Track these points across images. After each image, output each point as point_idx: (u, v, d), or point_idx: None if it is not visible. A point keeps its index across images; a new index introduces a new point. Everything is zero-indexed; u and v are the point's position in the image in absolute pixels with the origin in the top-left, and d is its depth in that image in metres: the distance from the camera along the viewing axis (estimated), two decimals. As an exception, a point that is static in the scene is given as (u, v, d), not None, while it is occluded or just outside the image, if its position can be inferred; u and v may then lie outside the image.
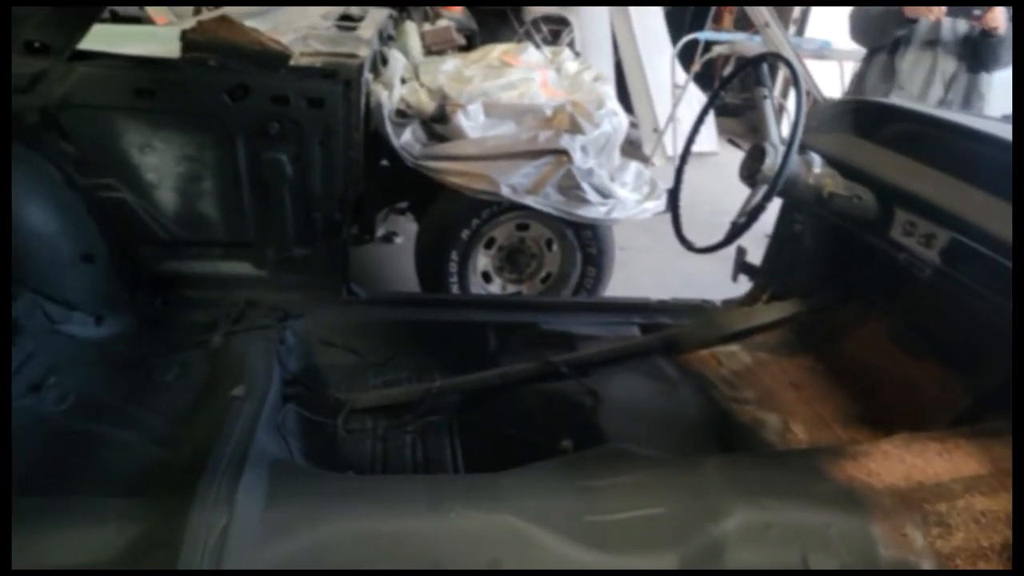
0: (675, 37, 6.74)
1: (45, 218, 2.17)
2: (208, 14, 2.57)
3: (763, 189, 1.89)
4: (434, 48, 4.04)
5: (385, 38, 3.90)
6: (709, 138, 7.06)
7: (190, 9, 3.66)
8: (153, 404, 2.07)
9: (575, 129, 3.05)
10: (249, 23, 2.90)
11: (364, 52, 2.90)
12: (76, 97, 2.10)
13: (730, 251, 2.33)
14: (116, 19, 3.78)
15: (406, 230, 4.11)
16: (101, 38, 2.25)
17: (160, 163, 2.24)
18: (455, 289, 3.11)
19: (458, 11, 5.43)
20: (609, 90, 3.43)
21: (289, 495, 1.69)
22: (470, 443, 2.22)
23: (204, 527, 1.53)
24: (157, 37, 2.40)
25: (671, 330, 2.61)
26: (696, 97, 6.76)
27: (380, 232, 3.98)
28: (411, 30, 3.89)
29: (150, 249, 2.39)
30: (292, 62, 2.64)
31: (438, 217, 3.10)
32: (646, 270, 4.32)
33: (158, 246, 2.39)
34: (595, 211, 3.09)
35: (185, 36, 2.17)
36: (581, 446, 2.09)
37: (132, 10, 4.27)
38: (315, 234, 2.45)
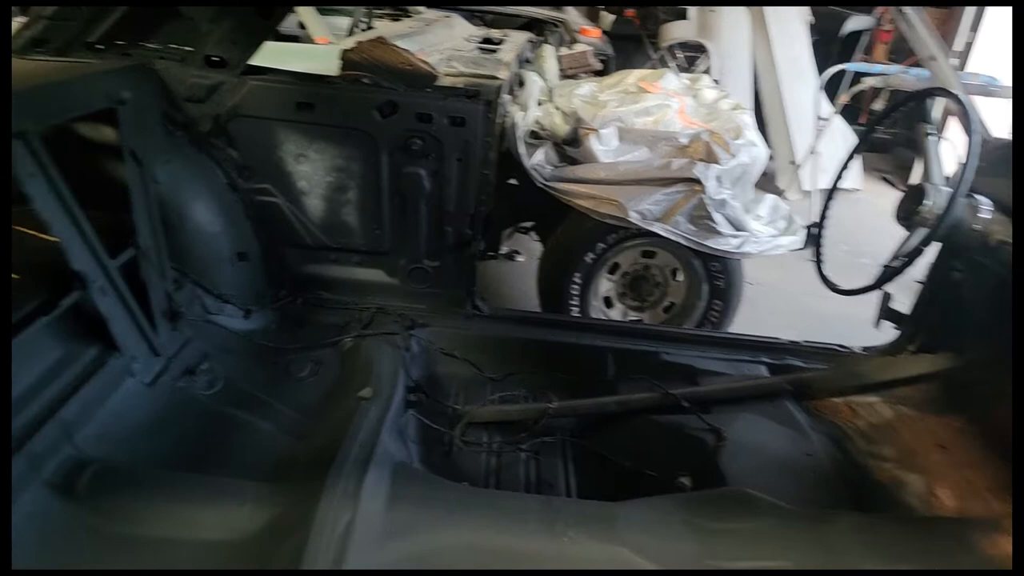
0: (821, 67, 6.48)
1: (210, 218, 2.37)
2: (364, 35, 2.72)
3: (922, 232, 1.78)
4: (570, 72, 4.09)
5: (523, 61, 4.00)
6: (854, 174, 6.73)
7: (346, 30, 3.89)
8: (288, 397, 2.20)
9: (710, 158, 3.00)
10: (398, 43, 3.06)
11: (504, 74, 2.98)
12: (244, 108, 2.27)
13: (868, 295, 2.21)
14: (278, 37, 4.07)
15: (529, 249, 4.16)
16: (270, 55, 2.44)
17: (311, 172, 2.38)
18: (575, 312, 3.10)
19: (595, 36, 5.48)
20: (748, 119, 3.35)
21: (410, 498, 1.75)
22: (583, 468, 2.21)
23: (331, 520, 1.60)
24: (317, 56, 2.57)
25: (803, 373, 2.49)
26: (839, 131, 6.47)
27: (504, 249, 4.05)
28: (548, 53, 3.96)
29: (295, 252, 2.54)
30: (437, 82, 2.76)
31: (563, 239, 3.11)
32: (775, 308, 4.15)
33: (303, 249, 2.54)
34: (726, 243, 3.01)
35: (344, 55, 2.31)
36: (700, 485, 2.03)
37: (292, 29, 4.58)
38: (446, 247, 2.52)
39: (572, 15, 6.08)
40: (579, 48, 4.27)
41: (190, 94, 2.25)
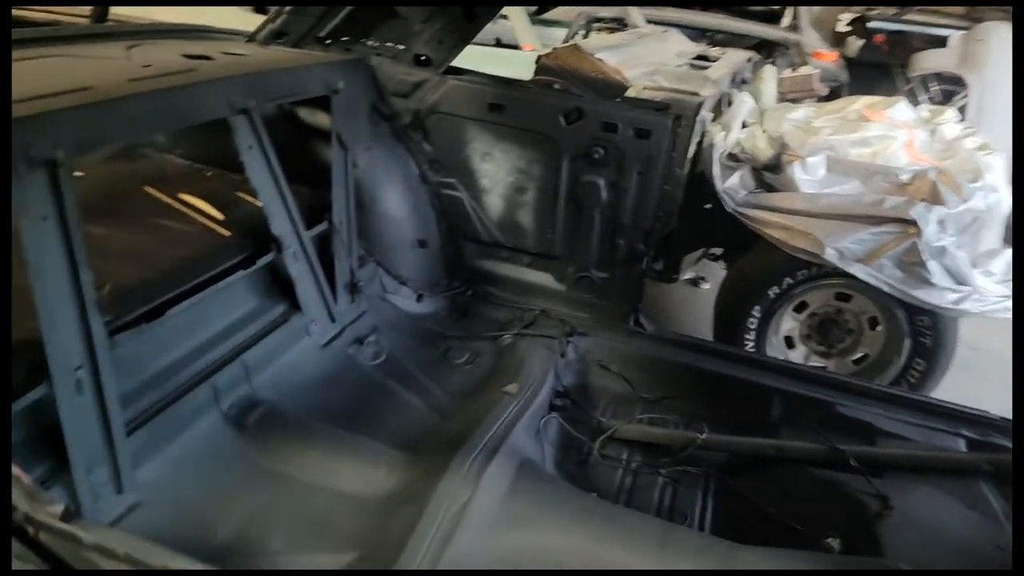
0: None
1: (398, 204, 2.56)
2: (563, 45, 2.79)
3: None
4: (790, 96, 3.88)
5: (739, 81, 3.85)
6: None
7: (561, 41, 4.00)
8: (442, 379, 2.30)
9: (934, 199, 2.67)
10: (601, 55, 3.09)
11: (708, 92, 2.90)
12: (442, 105, 2.43)
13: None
14: (498, 44, 4.30)
15: (716, 277, 3.98)
16: (477, 58, 2.59)
17: (495, 171, 2.48)
18: (750, 347, 2.92)
19: (830, 60, 5.13)
20: (995, 162, 2.94)
21: (528, 493, 1.76)
22: (723, 506, 2.07)
23: (448, 498, 1.65)
24: (519, 61, 2.68)
25: (1010, 456, 2.14)
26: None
27: (688, 274, 3.91)
28: (769, 75, 3.78)
29: (472, 246, 2.66)
30: (633, 94, 2.75)
31: (747, 269, 2.95)
32: (993, 379, 3.59)
33: (479, 244, 2.65)
34: (939, 296, 2.66)
35: (539, 60, 2.39)
36: (849, 552, 1.83)
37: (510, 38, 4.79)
38: (616, 260, 2.50)
39: (810, 37, 5.75)
40: (804, 71, 4.03)
41: (397, 89, 2.45)
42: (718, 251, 3.56)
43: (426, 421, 2.09)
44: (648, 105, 2.31)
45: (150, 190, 2.32)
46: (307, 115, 2.45)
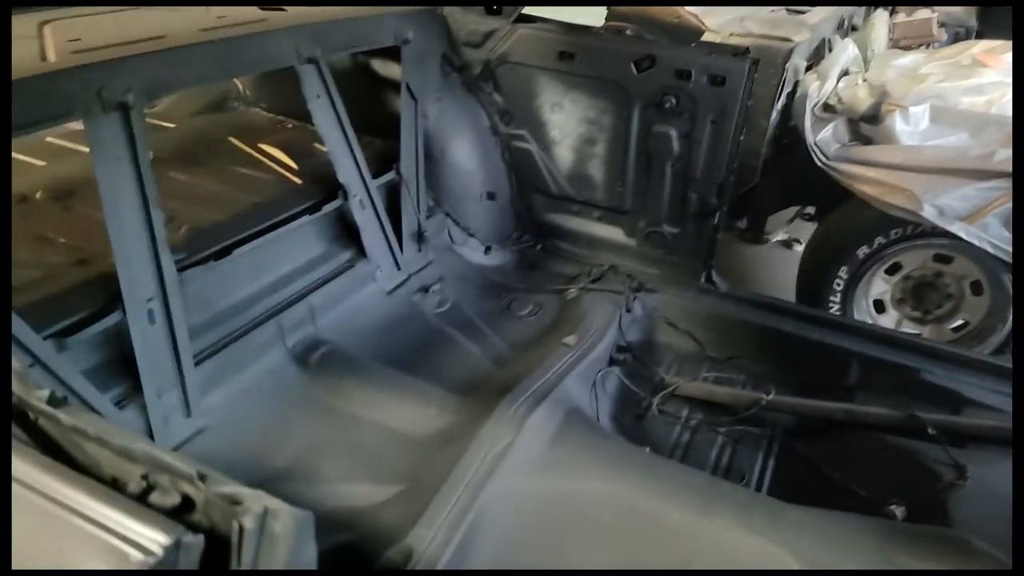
0: None
1: (468, 156, 2.57)
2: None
3: None
4: (903, 43, 3.59)
5: (847, 27, 3.60)
6: None
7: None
8: (502, 329, 2.33)
9: (1053, 154, 2.43)
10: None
11: (801, 37, 2.73)
12: (512, 55, 2.41)
13: None
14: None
15: (813, 239, 3.79)
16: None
17: (565, 122, 2.45)
18: (835, 310, 2.77)
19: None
20: None
21: (573, 441, 1.76)
22: (784, 469, 2.01)
23: (491, 440, 1.69)
24: (596, 9, 2.60)
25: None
26: None
27: (780, 235, 3.74)
28: (879, 20, 3.50)
29: (541, 199, 2.65)
30: (717, 40, 2.62)
31: (835, 227, 2.79)
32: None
33: (548, 198, 2.63)
34: (1052, 259, 2.44)
35: (610, 8, 2.32)
36: (914, 520, 1.73)
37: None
38: (688, 215, 2.42)
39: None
40: (920, 15, 3.69)
41: (468, 39, 2.45)
42: (812, 211, 3.39)
43: (481, 368, 2.13)
44: (725, 50, 2.20)
45: (234, 140, 2.44)
46: (380, 66, 2.50)
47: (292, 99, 2.10)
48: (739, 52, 2.20)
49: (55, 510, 0.52)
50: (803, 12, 3.07)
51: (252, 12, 2.05)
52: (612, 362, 2.28)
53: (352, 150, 2.17)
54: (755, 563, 1.47)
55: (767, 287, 3.59)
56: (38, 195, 1.90)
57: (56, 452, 0.61)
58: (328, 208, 2.14)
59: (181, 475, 0.54)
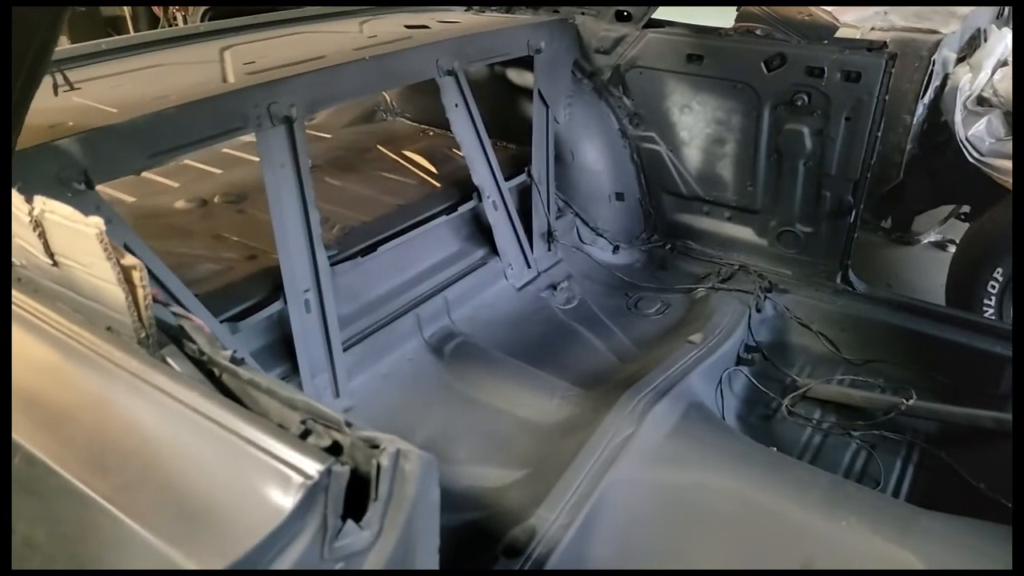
0: None
1: (597, 158, 2.64)
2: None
3: None
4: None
5: (1007, 15, 3.34)
6: None
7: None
8: (629, 327, 2.38)
9: None
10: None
11: (950, 29, 2.60)
12: (641, 59, 2.46)
13: None
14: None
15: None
16: (685, 10, 2.56)
17: (693, 123, 2.46)
18: (989, 314, 2.59)
19: None
20: None
21: (693, 435, 1.79)
22: (924, 477, 1.92)
23: (613, 430, 1.76)
24: (728, 10, 2.60)
25: None
26: None
27: (933, 236, 3.53)
28: (1045, 7, 3.22)
29: (671, 199, 2.67)
30: (861, 35, 2.54)
31: (989, 226, 2.61)
32: None
33: (678, 198, 2.65)
34: None
35: (739, 9, 2.31)
36: (1070, 537, 1.62)
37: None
38: (822, 214, 2.36)
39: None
40: (1094, -1, 3.36)
41: (598, 45, 2.52)
42: (967, 210, 3.18)
43: (606, 363, 2.19)
44: (859, 44, 2.13)
45: (381, 148, 2.66)
46: (514, 75, 2.63)
47: (434, 109, 2.27)
48: (875, 47, 2.13)
49: (236, 441, 0.65)
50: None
51: (399, 30, 2.24)
52: (740, 362, 2.27)
53: (487, 154, 2.30)
54: (880, 566, 1.44)
55: (917, 290, 3.40)
56: (216, 199, 2.17)
57: (235, 400, 0.76)
58: (463, 209, 2.29)
59: (331, 421, 0.66)
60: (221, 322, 1.62)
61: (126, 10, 8.41)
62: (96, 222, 0.70)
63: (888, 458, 1.98)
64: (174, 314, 0.77)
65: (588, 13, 2.56)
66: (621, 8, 2.47)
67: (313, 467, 0.59)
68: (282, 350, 1.80)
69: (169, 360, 0.74)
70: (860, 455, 2.01)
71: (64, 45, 2.21)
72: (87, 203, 1.30)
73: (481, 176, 2.30)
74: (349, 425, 0.65)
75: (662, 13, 2.48)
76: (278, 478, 0.60)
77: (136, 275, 0.70)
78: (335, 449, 0.66)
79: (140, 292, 0.71)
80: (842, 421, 2.10)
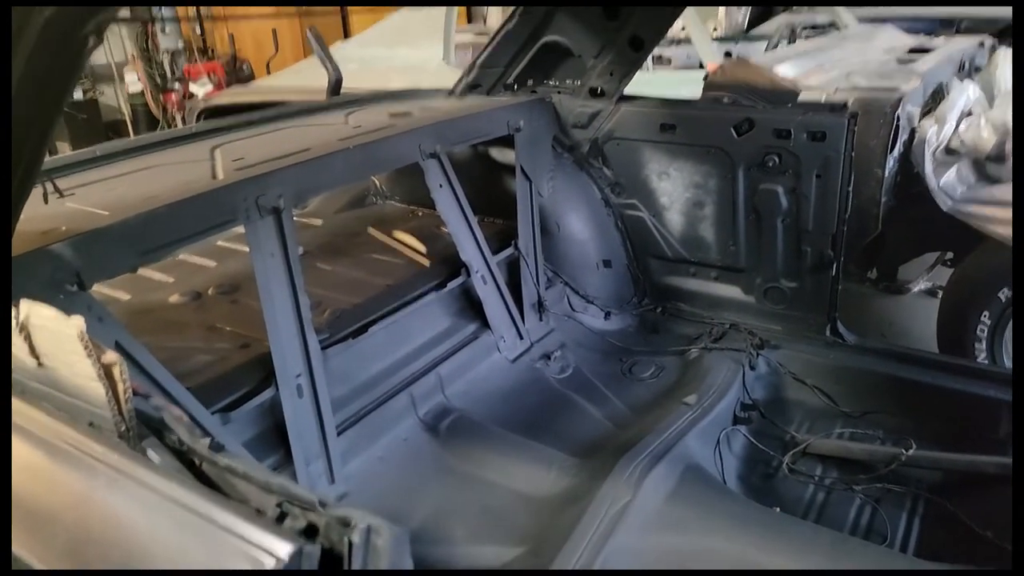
0: None
1: (582, 227, 2.71)
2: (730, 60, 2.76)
3: None
4: (1035, 78, 3.40)
5: (968, 69, 3.49)
6: None
7: (761, 53, 3.92)
8: (624, 392, 2.39)
9: None
10: (792, 62, 3.01)
11: (910, 86, 2.70)
12: (618, 131, 2.55)
13: None
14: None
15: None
16: (653, 84, 2.68)
17: (672, 189, 2.54)
18: (982, 358, 2.60)
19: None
20: None
21: (692, 499, 1.78)
22: (931, 529, 1.90)
23: (610, 499, 1.75)
24: (693, 81, 2.71)
25: None
26: None
27: (922, 284, 3.57)
28: (1004, 58, 3.36)
29: (658, 263, 2.72)
30: (825, 98, 2.65)
31: (971, 271, 2.65)
32: None
33: (664, 261, 2.70)
34: None
35: (707, 78, 2.42)
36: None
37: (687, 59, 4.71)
38: (804, 268, 2.40)
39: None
40: (1050, 49, 3.50)
41: (576, 121, 2.62)
42: (949, 256, 3.23)
43: (603, 431, 2.19)
44: (821, 107, 2.23)
45: (372, 231, 2.73)
46: (497, 153, 2.72)
47: (421, 190, 2.34)
48: (836, 108, 2.22)
49: (213, 528, 0.67)
50: (913, 60, 3.03)
51: (383, 119, 2.33)
52: (737, 421, 2.26)
53: (473, 231, 2.37)
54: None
55: (912, 338, 3.41)
56: (210, 291, 2.22)
57: (215, 488, 0.78)
58: (452, 285, 2.33)
59: (306, 503, 0.68)
60: (213, 413, 1.64)
61: (126, 114, 8.73)
62: (77, 322, 0.74)
63: (893, 511, 1.96)
64: (155, 407, 0.80)
65: (564, 92, 2.67)
66: (594, 86, 2.58)
67: (285, 549, 0.61)
68: (275, 438, 1.81)
69: (150, 452, 0.76)
70: (865, 510, 1.98)
71: (64, 152, 2.32)
72: (79, 304, 1.34)
73: (468, 252, 2.36)
74: (324, 505, 0.67)
75: (632, 89, 2.59)
76: (252, 562, 0.62)
77: (116, 371, 0.73)
78: (311, 530, 0.67)
79: (120, 387, 0.74)
80: (844, 476, 2.08)
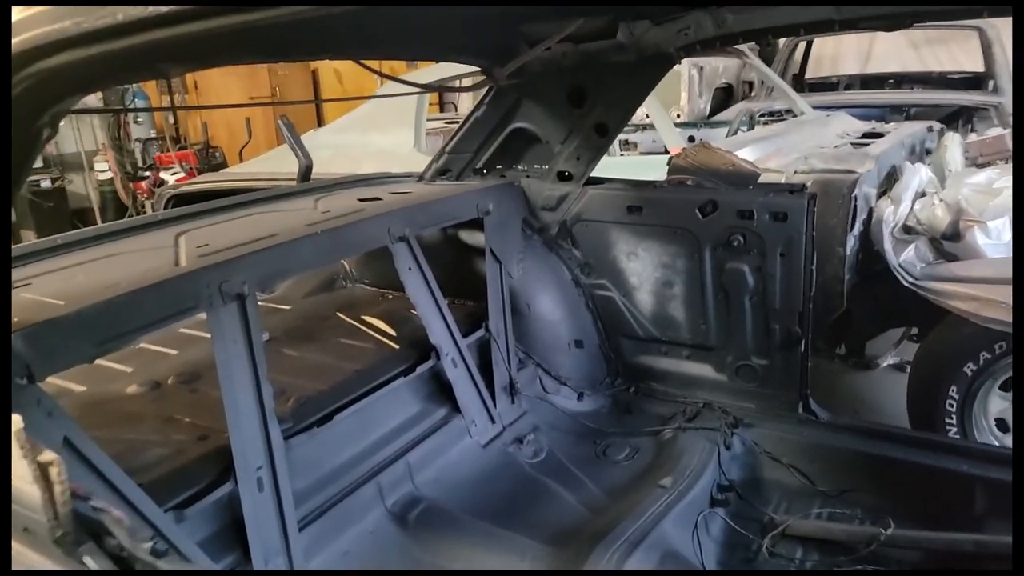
0: None
1: (553, 308, 2.71)
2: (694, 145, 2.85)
3: None
4: (981, 160, 3.56)
5: (919, 152, 3.65)
6: None
7: (722, 138, 4.06)
8: (598, 476, 2.33)
9: None
10: (753, 147, 3.12)
11: (865, 168, 2.81)
12: (586, 213, 2.59)
13: None
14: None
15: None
16: (618, 168, 2.74)
17: (641, 269, 2.56)
18: (953, 433, 2.61)
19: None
20: None
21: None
22: (917, 612, 1.85)
23: (588, 588, 1.67)
24: (657, 165, 2.79)
25: None
26: None
27: (890, 359, 3.60)
28: (952, 142, 3.52)
29: (629, 343, 2.71)
30: (785, 180, 2.73)
31: (936, 346, 2.69)
32: None
33: (636, 341, 2.70)
34: None
35: (671, 161, 2.49)
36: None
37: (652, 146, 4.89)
38: (774, 345, 2.41)
39: (1011, 99, 5.28)
40: (993, 133, 3.69)
41: (544, 203, 2.66)
42: (915, 331, 3.28)
43: (578, 516, 2.12)
44: (782, 188, 2.29)
45: (340, 315, 2.70)
46: (467, 236, 2.74)
47: (390, 273, 2.33)
48: (796, 189, 2.29)
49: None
50: (867, 144, 3.16)
51: (352, 204, 2.34)
52: (715, 503, 2.22)
53: (443, 313, 2.35)
54: None
55: (883, 414, 3.42)
56: (169, 380, 2.15)
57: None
58: (422, 369, 2.29)
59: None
60: (166, 511, 1.56)
61: (93, 201, 8.72)
62: (15, 420, 0.70)
63: (876, 594, 1.91)
64: (94, 508, 0.75)
65: (532, 175, 2.72)
66: (561, 170, 2.63)
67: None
68: (233, 536, 1.72)
69: (86, 559, 0.71)
70: (847, 593, 1.93)
71: (29, 240, 2.28)
72: (28, 398, 1.28)
73: (438, 335, 2.34)
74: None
75: (599, 172, 2.65)
76: None
77: (53, 471, 0.69)
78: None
79: (57, 488, 0.70)
80: (825, 558, 2.03)
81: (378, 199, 2.44)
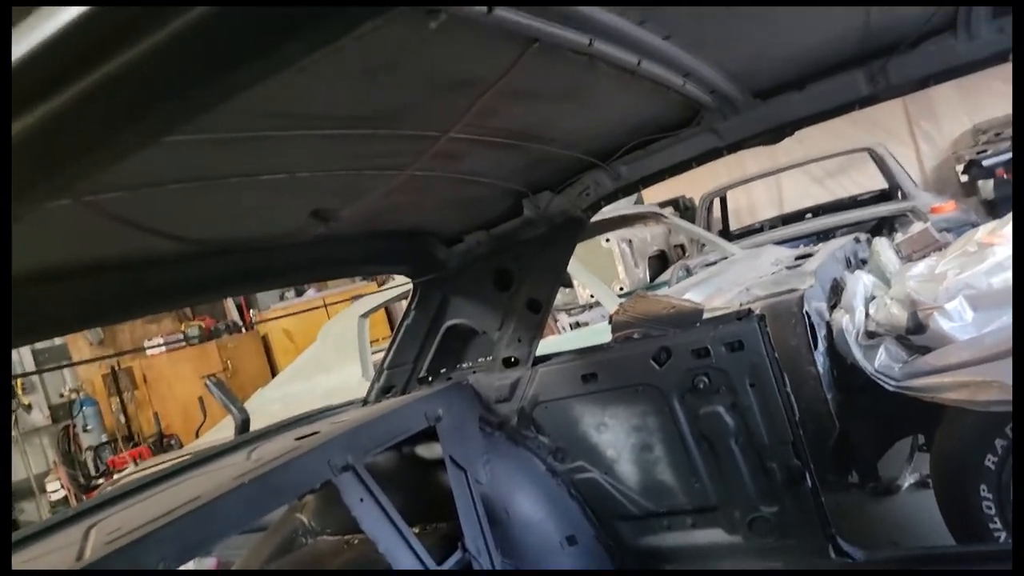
0: None
1: (533, 506, 2.44)
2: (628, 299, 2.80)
3: None
4: (915, 256, 3.59)
5: (855, 263, 3.68)
6: None
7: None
8: None
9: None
10: (691, 293, 3.08)
11: (806, 284, 2.77)
12: (542, 395, 2.43)
13: None
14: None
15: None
16: (563, 343, 2.63)
17: (615, 438, 2.36)
18: (1003, 537, 2.32)
19: (948, 210, 4.84)
20: None
21: None
22: None
23: None
24: (601, 331, 2.70)
25: None
26: None
27: (910, 478, 3.34)
28: (882, 246, 3.57)
29: (626, 525, 2.44)
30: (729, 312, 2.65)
31: (945, 447, 2.48)
32: None
33: (632, 521, 2.42)
34: None
35: (611, 319, 2.40)
36: None
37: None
38: (778, 487, 2.18)
39: (922, 198, 5.55)
40: (916, 228, 3.78)
41: (497, 396, 2.50)
42: (922, 441, 3.07)
43: None
44: (729, 317, 2.20)
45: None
46: (425, 450, 2.52)
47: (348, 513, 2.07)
48: (743, 315, 2.21)
49: None
50: (801, 264, 3.16)
51: (288, 445, 2.14)
52: None
53: (409, 544, 2.07)
54: None
55: (925, 534, 3.08)
56: None
57: None
58: (397, 616, 1.97)
59: None
60: None
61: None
62: None
63: None
64: None
65: (479, 370, 2.59)
66: (507, 356, 2.51)
67: None
68: None
69: None
70: None
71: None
72: None
73: (406, 568, 2.04)
74: None
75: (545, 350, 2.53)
76: None
77: None
78: None
79: None
80: None
81: (316, 433, 2.24)
